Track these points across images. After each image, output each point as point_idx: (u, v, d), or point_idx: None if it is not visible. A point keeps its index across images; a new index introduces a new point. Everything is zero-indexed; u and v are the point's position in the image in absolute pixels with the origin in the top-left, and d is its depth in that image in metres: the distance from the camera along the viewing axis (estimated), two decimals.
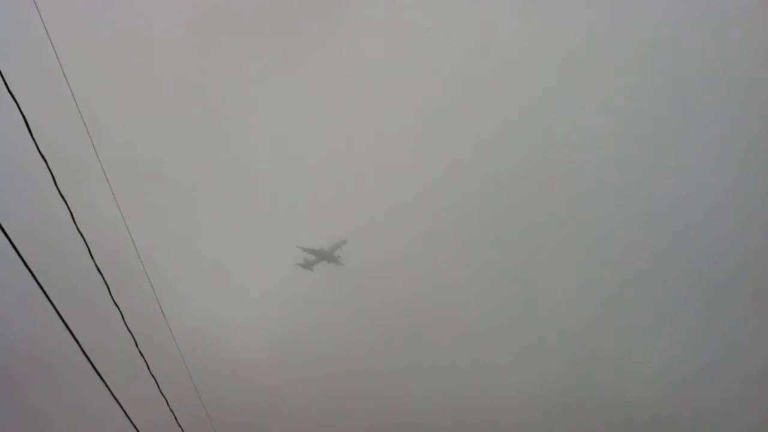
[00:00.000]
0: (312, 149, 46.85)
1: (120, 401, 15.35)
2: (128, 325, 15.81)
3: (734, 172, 42.63)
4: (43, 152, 12.19)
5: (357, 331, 47.61)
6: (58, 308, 12.66)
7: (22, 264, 11.58)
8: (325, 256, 49.31)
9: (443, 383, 47.45)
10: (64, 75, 15.53)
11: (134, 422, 16.23)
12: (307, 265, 50.07)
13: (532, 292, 47.17)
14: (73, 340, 13.32)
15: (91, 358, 13.94)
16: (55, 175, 12.49)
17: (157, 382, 16.89)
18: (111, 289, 15.13)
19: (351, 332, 47.61)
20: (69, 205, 13.19)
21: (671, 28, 42.03)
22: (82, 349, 13.71)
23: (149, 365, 16.61)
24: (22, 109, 11.50)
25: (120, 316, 15.62)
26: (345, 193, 46.56)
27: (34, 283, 12.02)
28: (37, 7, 14.67)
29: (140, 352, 16.22)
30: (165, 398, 17.31)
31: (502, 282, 46.58)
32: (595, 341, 46.31)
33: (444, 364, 47.92)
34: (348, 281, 48.94)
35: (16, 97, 11.14)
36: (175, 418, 18.55)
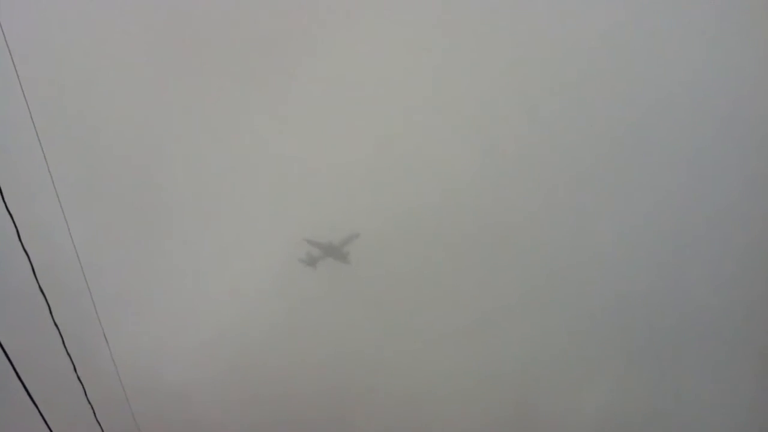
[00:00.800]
0: (273, 167, 46.47)
1: (52, 428, 14.70)
2: (68, 349, 15.26)
3: (671, 238, 44.32)
4: None
5: (330, 359, 46.39)
6: None
7: None
8: (333, 251, 47.27)
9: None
10: (23, 92, 15.19)
11: None
12: (311, 262, 47.82)
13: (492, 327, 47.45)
14: (5, 360, 12.75)
15: (24, 381, 13.36)
16: (3, 191, 12.10)
17: (93, 410, 16.27)
18: (52, 310, 14.62)
19: (320, 357, 46.51)
20: (15, 222, 12.77)
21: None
22: (15, 370, 13.12)
23: (86, 391, 16.01)
24: None
25: (60, 338, 15.07)
26: (311, 202, 46.11)
27: None
28: None
29: (78, 377, 15.64)
30: (101, 427, 16.67)
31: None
32: (540, 385, 46.72)
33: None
34: (323, 297, 47.82)
35: None
36: None
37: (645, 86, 43.79)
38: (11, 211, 12.62)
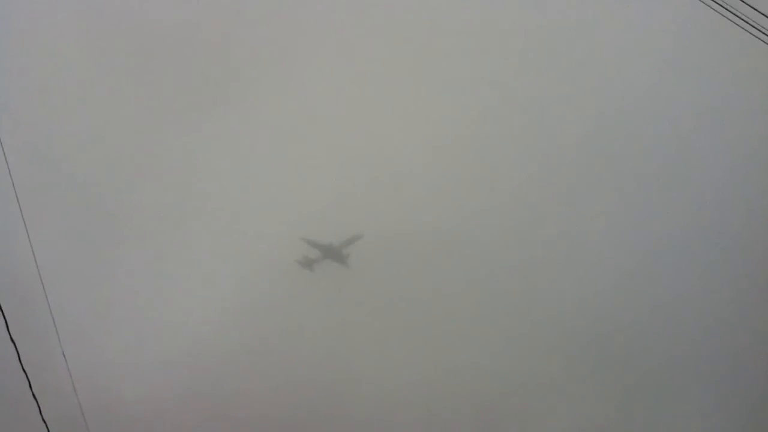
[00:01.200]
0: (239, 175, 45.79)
1: None
2: (23, 364, 14.55)
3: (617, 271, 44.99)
4: None
5: (308, 381, 45.06)
6: None
7: None
8: (332, 253, 45.78)
9: None
10: None
11: None
12: (307, 264, 46.45)
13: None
14: None
15: None
16: None
17: (48, 429, 15.54)
18: (8, 323, 13.94)
19: (296, 376, 45.25)
20: None
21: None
22: None
23: (41, 409, 15.28)
24: None
25: (15, 352, 14.37)
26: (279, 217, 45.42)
27: None
28: None
29: (33, 394, 14.91)
30: None
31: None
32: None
33: None
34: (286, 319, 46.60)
35: None
36: None
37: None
38: None
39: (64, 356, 19.65)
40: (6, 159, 16.51)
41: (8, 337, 14.20)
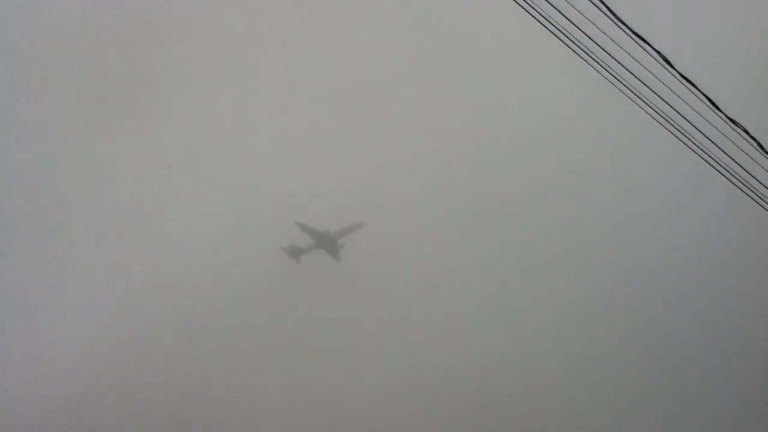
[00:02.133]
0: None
1: None
2: None
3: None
4: None
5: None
6: None
7: None
8: (325, 242, 42.10)
9: None
10: None
11: None
12: (294, 254, 43.24)
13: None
14: None
15: None
16: None
17: None
18: None
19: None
20: None
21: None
22: None
23: None
24: None
25: None
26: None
27: None
28: None
29: None
30: None
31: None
32: None
33: None
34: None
35: None
36: None
37: None
38: None
39: None
40: None
41: None
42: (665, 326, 46.69)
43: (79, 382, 41.02)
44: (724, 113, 14.05)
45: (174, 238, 42.99)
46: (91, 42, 41.60)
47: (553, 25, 13.16)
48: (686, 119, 13.63)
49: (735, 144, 13.94)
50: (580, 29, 13.56)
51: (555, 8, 12.93)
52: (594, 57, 13.07)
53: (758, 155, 14.25)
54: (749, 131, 13.74)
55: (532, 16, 12.97)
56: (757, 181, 15.57)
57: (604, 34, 13.61)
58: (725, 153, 14.08)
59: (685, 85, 13.70)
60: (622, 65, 13.94)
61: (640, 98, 13.43)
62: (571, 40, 13.44)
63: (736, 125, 13.79)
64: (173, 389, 42.05)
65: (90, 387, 41.27)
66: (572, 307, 47.73)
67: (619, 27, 13.11)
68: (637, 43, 13.28)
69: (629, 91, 13.40)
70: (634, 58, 13.47)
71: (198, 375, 42.70)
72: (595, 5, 12.82)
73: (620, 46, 13.29)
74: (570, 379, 46.00)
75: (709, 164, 15.04)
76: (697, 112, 13.42)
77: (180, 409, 41.20)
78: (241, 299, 44.76)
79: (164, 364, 42.64)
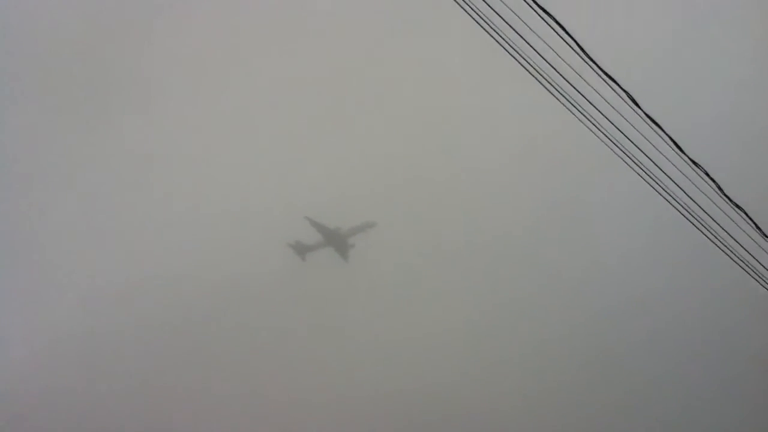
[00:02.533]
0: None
1: None
2: None
3: None
4: None
5: None
6: None
7: None
8: (336, 240, 40.28)
9: None
10: None
11: None
12: (300, 252, 41.64)
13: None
14: None
15: None
16: None
17: None
18: None
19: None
20: None
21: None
22: None
23: None
24: None
25: None
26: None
27: None
28: None
29: None
30: None
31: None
32: None
33: None
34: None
35: None
36: None
37: None
38: None
39: None
40: None
41: None
42: (638, 362, 47.24)
43: (77, 382, 40.85)
44: (687, 155, 14.63)
45: (175, 237, 43.03)
46: (88, 42, 41.86)
47: (527, 62, 13.71)
48: (650, 158, 14.17)
49: (695, 185, 14.48)
50: (553, 67, 14.11)
51: (529, 44, 13.49)
52: (562, 92, 13.59)
53: (717, 197, 14.80)
54: (709, 173, 14.31)
55: (510, 55, 13.57)
56: (720, 226, 16.12)
57: (577, 73, 14.14)
58: (686, 194, 14.66)
59: (650, 126, 14.26)
60: (592, 104, 14.48)
61: (605, 134, 13.97)
62: (544, 78, 13.97)
63: (698, 167, 14.39)
64: (173, 389, 41.87)
65: (90, 387, 41.05)
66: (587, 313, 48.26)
67: (589, 66, 13.63)
68: (606, 82, 13.80)
69: (594, 127, 13.90)
70: (602, 97, 14.01)
71: (198, 375, 42.50)
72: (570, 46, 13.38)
73: (590, 84, 13.82)
74: (574, 384, 46.43)
75: (674, 207, 15.56)
76: (659, 151, 13.93)
77: (180, 410, 41.02)
78: (241, 299, 44.58)
79: (164, 363, 42.44)
